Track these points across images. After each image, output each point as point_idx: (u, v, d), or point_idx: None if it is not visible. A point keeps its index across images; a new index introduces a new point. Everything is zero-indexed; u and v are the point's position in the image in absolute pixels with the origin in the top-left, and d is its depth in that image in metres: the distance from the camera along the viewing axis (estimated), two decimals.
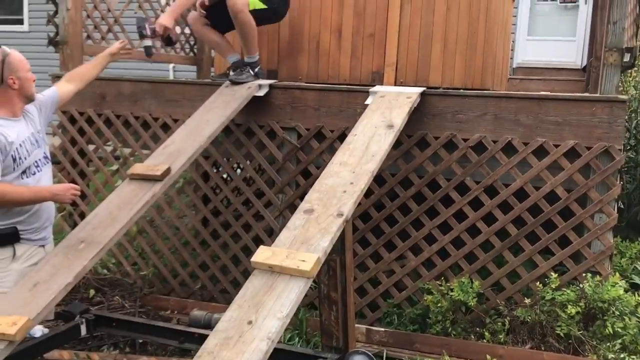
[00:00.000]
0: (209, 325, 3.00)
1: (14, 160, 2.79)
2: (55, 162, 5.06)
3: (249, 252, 4.18)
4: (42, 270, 2.76)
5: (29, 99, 2.96)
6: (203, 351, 2.18)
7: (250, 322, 2.26)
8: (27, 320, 2.43)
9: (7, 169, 2.77)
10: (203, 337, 2.60)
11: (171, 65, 10.30)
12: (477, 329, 3.63)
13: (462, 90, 4.06)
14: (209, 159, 4.54)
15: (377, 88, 3.91)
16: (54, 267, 2.77)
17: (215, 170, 4.56)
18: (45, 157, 3.05)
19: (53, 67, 5.20)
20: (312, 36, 4.77)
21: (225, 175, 4.83)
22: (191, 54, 6.46)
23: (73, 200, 2.99)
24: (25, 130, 2.91)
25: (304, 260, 2.46)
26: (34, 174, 2.92)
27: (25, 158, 2.85)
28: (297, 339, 3.70)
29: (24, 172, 2.86)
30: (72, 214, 4.80)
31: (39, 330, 3.59)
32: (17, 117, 2.89)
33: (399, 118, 3.47)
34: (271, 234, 4.24)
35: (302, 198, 3.05)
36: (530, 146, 3.61)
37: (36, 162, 2.94)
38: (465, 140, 3.74)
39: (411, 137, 3.82)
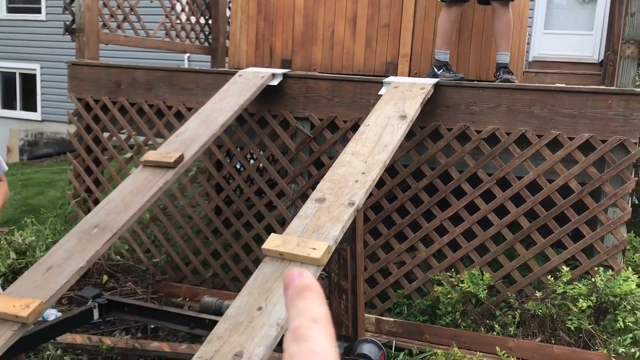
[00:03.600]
0: (220, 311, 3.01)
1: None
2: (71, 150, 5.11)
3: (261, 241, 4.19)
4: (56, 254, 2.79)
5: None
6: (213, 336, 2.20)
7: (260, 309, 2.27)
8: (40, 303, 2.46)
9: None
10: (214, 323, 2.62)
11: (186, 55, 10.35)
12: (487, 321, 3.62)
13: (476, 82, 4.03)
14: (222, 147, 4.56)
15: (390, 79, 3.90)
16: (67, 252, 2.80)
17: (228, 160, 4.57)
18: None
19: (69, 56, 5.24)
20: (326, 25, 4.76)
21: (238, 165, 4.85)
22: (206, 44, 6.48)
23: None
24: None
25: (314, 248, 2.47)
26: None
27: None
28: None
29: None
30: (86, 201, 4.84)
31: (52, 314, 3.65)
32: None
33: (412, 109, 3.45)
34: (283, 224, 4.26)
35: (314, 188, 3.05)
36: (544, 139, 3.59)
37: None
38: (478, 132, 3.72)
39: (424, 129, 3.81)
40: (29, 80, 12.52)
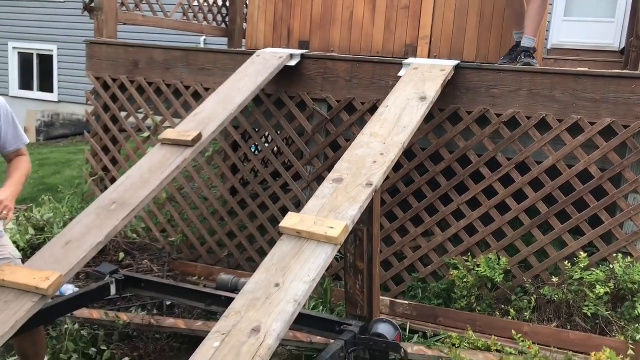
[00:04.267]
0: (236, 289, 3.03)
1: None
2: (89, 129, 5.14)
3: (276, 222, 4.21)
4: (74, 229, 2.81)
5: None
6: (231, 311, 2.20)
7: (277, 285, 2.27)
8: (59, 276, 2.48)
9: None
10: (230, 300, 2.63)
11: (202, 38, 10.34)
12: (503, 306, 3.61)
13: (497, 65, 3.98)
14: (239, 128, 4.56)
15: (410, 60, 3.87)
16: (85, 227, 2.81)
17: (244, 141, 4.57)
18: None
19: (87, 37, 5.25)
20: (345, 7, 4.72)
21: (253, 147, 4.85)
22: (223, 25, 6.46)
23: None
24: None
25: (332, 227, 2.46)
26: None
27: None
28: (322, 307, 3.72)
29: None
30: (103, 179, 4.87)
31: (69, 289, 3.69)
32: None
33: (432, 91, 3.42)
34: (298, 206, 4.26)
35: (330, 170, 3.04)
36: (564, 123, 3.54)
37: None
38: (498, 115, 3.69)
39: (443, 111, 3.78)
40: (46, 61, 12.58)
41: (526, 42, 4.08)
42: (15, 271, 2.56)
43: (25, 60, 12.80)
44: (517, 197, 3.69)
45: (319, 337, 3.34)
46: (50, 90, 12.59)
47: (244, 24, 6.40)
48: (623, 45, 7.02)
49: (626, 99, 3.45)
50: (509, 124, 3.67)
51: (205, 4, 6.18)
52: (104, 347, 3.38)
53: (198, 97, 4.44)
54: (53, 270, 2.52)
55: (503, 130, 3.67)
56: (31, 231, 4.24)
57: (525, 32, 4.08)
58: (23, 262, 2.81)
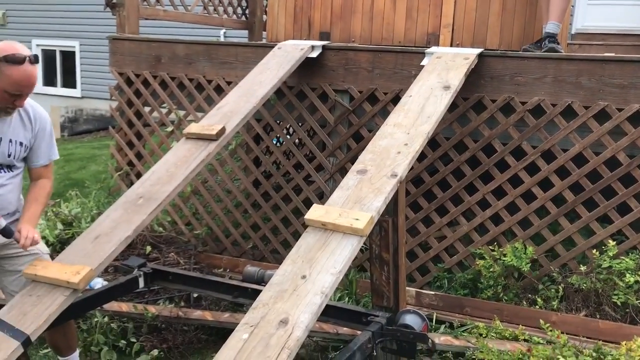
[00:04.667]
0: (262, 280, 3.05)
1: None
2: (113, 125, 5.20)
3: (299, 214, 4.23)
4: (103, 224, 2.86)
5: None
6: (259, 302, 2.22)
7: (304, 277, 2.28)
8: (89, 270, 2.52)
9: None
10: (256, 292, 2.65)
11: (222, 31, 10.35)
12: (530, 295, 3.58)
13: (521, 52, 3.93)
14: (261, 121, 4.57)
15: (433, 49, 3.83)
16: (113, 221, 2.86)
17: (267, 133, 4.59)
18: (8, 167, 2.64)
19: (108, 32, 5.29)
20: None
21: (275, 140, 4.86)
22: (243, 18, 6.47)
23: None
24: None
25: (357, 219, 2.46)
26: None
27: None
28: (347, 298, 3.74)
29: None
30: (128, 174, 4.93)
31: (98, 283, 3.75)
32: None
33: (456, 79, 3.39)
34: (321, 197, 4.26)
35: (353, 161, 3.03)
36: (591, 110, 3.49)
37: None
38: (523, 103, 3.64)
39: (467, 100, 3.75)
40: (68, 57, 12.72)
41: (551, 28, 4.02)
42: (46, 266, 2.62)
43: (48, 57, 12.95)
44: (543, 185, 3.65)
45: (345, 328, 3.36)
46: (74, 86, 12.72)
47: (264, 16, 6.40)
48: None
49: None
50: (534, 111, 3.63)
51: None
52: (133, 339, 3.44)
53: (220, 91, 4.46)
54: (83, 264, 2.57)
55: (528, 118, 3.63)
56: (60, 226, 4.31)
57: (550, 18, 4.02)
58: (52, 257, 2.86)
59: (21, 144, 2.63)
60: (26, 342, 2.31)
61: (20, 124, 2.62)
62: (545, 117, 3.58)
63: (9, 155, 2.60)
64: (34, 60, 2.43)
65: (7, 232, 2.55)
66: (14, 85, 2.40)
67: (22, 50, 2.42)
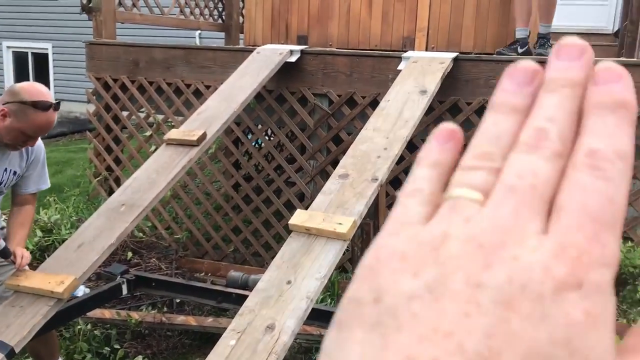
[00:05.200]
0: (246, 285, 3.09)
1: None
2: (90, 129, 5.17)
3: (281, 217, 4.27)
4: (86, 232, 2.86)
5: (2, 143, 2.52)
6: (245, 309, 2.26)
7: (289, 282, 2.33)
8: (73, 279, 2.53)
9: None
10: (240, 297, 2.69)
11: (197, 32, 10.32)
12: None
13: (495, 55, 4.02)
14: (241, 125, 4.59)
15: (409, 53, 3.90)
16: (96, 229, 2.86)
17: (247, 137, 4.61)
18: None
19: (82, 34, 5.26)
20: (342, 1, 4.74)
21: (255, 143, 4.89)
22: (220, 21, 6.47)
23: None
24: None
25: (340, 223, 2.51)
26: None
27: None
28: (329, 300, 3.79)
29: None
30: (107, 179, 4.91)
31: (81, 290, 3.73)
32: None
33: (432, 84, 3.46)
34: (302, 199, 4.31)
35: (333, 164, 3.09)
36: None
37: None
38: None
39: (443, 103, 3.82)
40: (41, 59, 12.56)
41: (542, 30, 4.11)
42: (29, 276, 2.62)
43: (20, 59, 12.77)
44: None
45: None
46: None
47: (241, 19, 6.41)
48: (617, 28, 7.05)
49: None
50: None
51: (202, 0, 6.19)
52: (117, 346, 3.44)
53: (199, 95, 4.47)
54: (67, 273, 2.57)
55: None
56: (39, 233, 4.28)
57: (541, 20, 4.10)
58: (31, 264, 2.85)
59: (14, 172, 2.64)
60: (10, 354, 2.31)
61: (17, 153, 2.63)
62: None
63: (1, 183, 2.61)
64: (57, 107, 2.49)
65: (6, 253, 2.57)
66: (34, 129, 2.45)
67: (49, 96, 2.48)
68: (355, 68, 4.03)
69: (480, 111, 3.78)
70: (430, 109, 3.76)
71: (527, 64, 0.29)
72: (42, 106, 2.43)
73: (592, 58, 0.28)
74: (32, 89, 2.48)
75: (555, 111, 0.27)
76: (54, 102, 2.49)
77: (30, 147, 2.65)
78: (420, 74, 3.58)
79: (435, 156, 0.29)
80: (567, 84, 0.27)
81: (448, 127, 0.30)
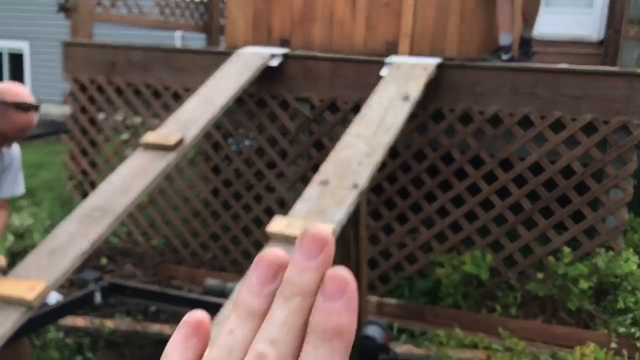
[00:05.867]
0: (223, 293, 3.01)
1: None
2: (64, 130, 5.05)
3: (260, 223, 4.19)
4: (58, 238, 2.76)
5: None
6: (221, 319, 2.18)
7: None
8: (45, 286, 2.44)
9: None
10: (217, 306, 2.61)
11: (178, 34, 10.20)
12: (489, 302, 3.64)
13: (478, 63, 4.00)
14: (221, 129, 4.51)
15: (393, 59, 3.86)
16: (70, 235, 2.77)
17: (227, 142, 4.53)
18: None
19: (60, 34, 5.14)
20: (325, 4, 4.69)
21: (235, 148, 4.81)
22: (201, 22, 6.39)
23: None
24: None
25: None
26: None
27: None
28: None
29: None
30: (82, 183, 4.79)
31: (53, 298, 3.62)
32: None
33: (415, 90, 3.42)
34: (283, 206, 4.23)
35: (314, 170, 3.03)
36: (547, 120, 3.57)
37: None
38: (481, 113, 3.70)
39: (426, 110, 3.78)
40: (17, 59, 12.32)
41: (526, 33, 4.10)
42: None
43: None
44: (501, 194, 3.72)
45: None
46: None
47: (221, 19, 6.33)
48: (602, 37, 7.08)
49: (606, 95, 3.49)
50: (492, 121, 3.69)
51: (183, 1, 6.11)
52: (89, 355, 3.33)
53: (178, 98, 4.38)
54: (38, 279, 2.48)
55: (486, 127, 3.69)
56: (10, 238, 4.15)
57: (525, 23, 4.10)
58: (2, 271, 2.75)
59: None
60: None
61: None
62: (503, 126, 3.65)
63: None
64: (37, 109, 2.44)
65: None
66: (15, 130, 2.41)
67: (30, 97, 2.43)
68: (338, 73, 3.98)
69: (464, 118, 3.75)
70: (413, 116, 3.73)
71: (274, 256, 0.32)
72: (23, 107, 2.39)
73: (332, 253, 0.31)
74: (14, 89, 2.42)
75: (279, 331, 0.29)
76: (35, 103, 2.44)
77: (5, 152, 2.57)
78: (403, 80, 3.54)
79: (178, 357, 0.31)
80: (298, 292, 0.30)
81: (196, 319, 0.32)
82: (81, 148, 4.79)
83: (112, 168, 4.18)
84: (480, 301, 3.64)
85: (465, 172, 3.77)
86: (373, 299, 3.80)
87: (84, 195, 4.46)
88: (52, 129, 11.45)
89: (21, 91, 2.43)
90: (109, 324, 3.47)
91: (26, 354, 2.93)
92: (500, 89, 3.67)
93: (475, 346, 3.30)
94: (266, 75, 4.05)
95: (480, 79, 3.71)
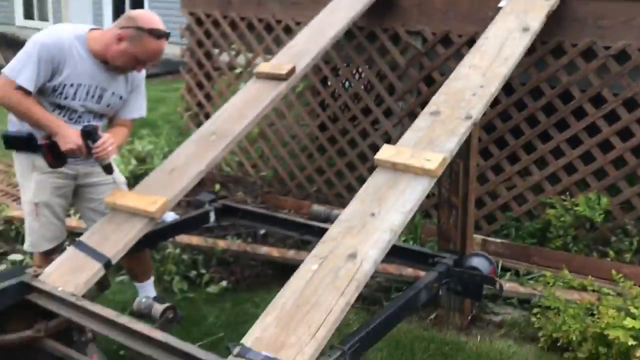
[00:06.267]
0: (329, 219, 3.07)
1: (54, 89, 2.53)
2: (176, 70, 5.27)
3: (365, 159, 4.22)
4: (177, 159, 2.94)
5: (113, 66, 2.62)
6: (327, 237, 2.25)
7: (373, 214, 2.29)
8: (165, 200, 2.62)
9: (44, 77, 2.47)
10: (323, 231, 2.67)
11: None
12: (601, 247, 3.48)
13: None
14: (329, 63, 4.53)
15: None
16: (187, 157, 2.93)
17: (335, 76, 4.54)
18: (101, 116, 2.75)
19: None
20: None
21: (344, 81, 4.82)
22: None
23: (68, 151, 2.53)
24: (99, 79, 2.62)
25: (428, 160, 2.43)
26: (74, 121, 2.63)
27: (66, 98, 2.57)
28: (412, 243, 3.74)
29: (60, 107, 2.59)
30: (197, 115, 5.03)
31: (171, 217, 3.88)
32: (105, 64, 2.60)
33: (536, 21, 3.25)
34: (389, 142, 4.21)
35: (423, 106, 2.98)
36: None
37: (81, 114, 2.64)
38: (606, 48, 3.45)
39: (546, 44, 3.59)
40: None
41: None
42: (125, 195, 2.73)
43: None
44: (622, 135, 3.49)
45: (409, 270, 3.38)
46: None
47: None
48: None
49: None
50: (618, 57, 3.44)
51: None
52: (203, 271, 3.58)
53: (289, 32, 4.43)
54: (159, 195, 2.67)
55: (611, 63, 3.45)
56: (133, 162, 4.47)
57: None
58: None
59: (120, 97, 2.75)
60: (107, 265, 2.44)
61: (122, 78, 2.72)
62: (630, 63, 3.39)
63: (108, 106, 2.72)
64: (168, 36, 2.60)
65: (110, 169, 2.67)
66: (147, 55, 2.56)
67: (162, 25, 2.59)
68: (453, 5, 3.84)
69: (587, 54, 3.52)
70: (531, 50, 3.55)
71: None
72: (156, 34, 2.54)
73: None
74: (149, 16, 2.58)
75: None
76: (166, 31, 2.59)
77: (135, 73, 2.74)
78: (522, 11, 3.36)
79: None
80: None
81: None
82: (197, 81, 5.00)
83: (225, 100, 4.35)
84: (591, 245, 3.50)
85: (585, 111, 3.57)
86: (478, 237, 3.75)
87: (199, 125, 4.66)
88: (169, 68, 11.97)
89: (155, 19, 2.59)
90: (221, 243, 3.68)
91: (148, 263, 3.20)
92: (630, 22, 3.39)
93: (584, 289, 3.19)
94: (378, 8, 3.98)
95: (608, 12, 3.44)
